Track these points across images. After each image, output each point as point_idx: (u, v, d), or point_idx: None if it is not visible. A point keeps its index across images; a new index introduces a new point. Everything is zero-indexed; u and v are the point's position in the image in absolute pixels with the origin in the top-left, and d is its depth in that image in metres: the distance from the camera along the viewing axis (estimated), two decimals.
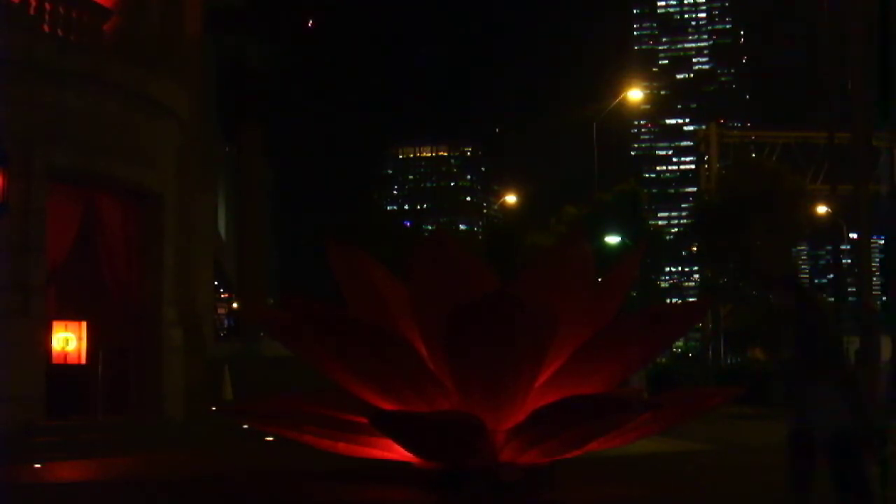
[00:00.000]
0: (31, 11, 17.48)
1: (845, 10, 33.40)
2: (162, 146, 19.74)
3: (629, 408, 10.13)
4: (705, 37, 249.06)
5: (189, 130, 21.51)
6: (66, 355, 18.30)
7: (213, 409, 19.85)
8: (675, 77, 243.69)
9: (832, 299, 45.88)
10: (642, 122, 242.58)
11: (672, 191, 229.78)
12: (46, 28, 17.70)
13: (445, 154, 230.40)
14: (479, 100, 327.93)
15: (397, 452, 10.65)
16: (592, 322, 10.60)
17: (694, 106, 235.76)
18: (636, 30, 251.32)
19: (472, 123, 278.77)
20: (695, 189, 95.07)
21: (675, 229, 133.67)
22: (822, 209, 44.78)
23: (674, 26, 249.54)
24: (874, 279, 39.89)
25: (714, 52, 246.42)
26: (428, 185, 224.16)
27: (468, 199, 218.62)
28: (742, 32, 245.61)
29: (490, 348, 9.79)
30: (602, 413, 9.95)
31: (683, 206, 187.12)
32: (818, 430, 6.91)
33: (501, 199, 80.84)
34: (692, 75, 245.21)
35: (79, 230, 18.48)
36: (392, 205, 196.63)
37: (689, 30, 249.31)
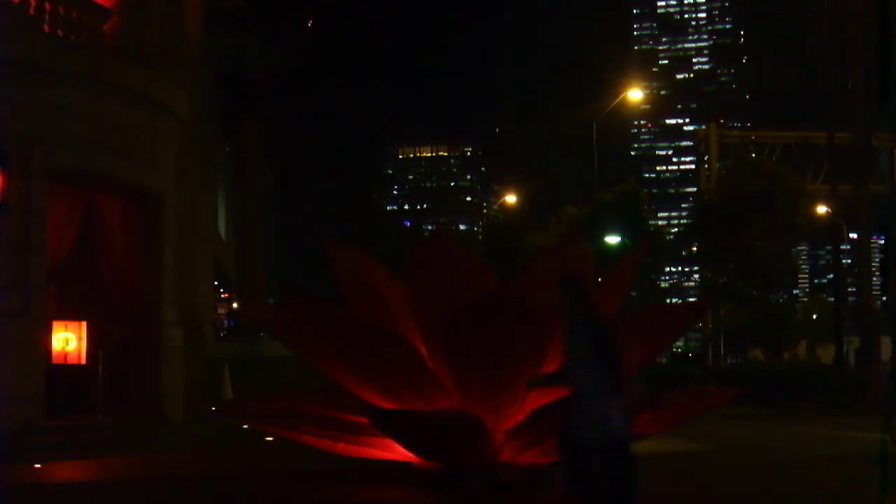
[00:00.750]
0: (31, 11, 17.49)
1: (845, 11, 33.42)
2: (162, 146, 19.73)
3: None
4: (705, 37, 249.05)
5: (189, 130, 21.50)
6: (66, 355, 18.30)
7: (213, 409, 19.85)
8: (675, 77, 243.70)
9: (832, 299, 45.88)
10: (642, 122, 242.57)
11: (672, 191, 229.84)
12: (46, 28, 17.69)
13: (445, 154, 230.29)
14: (479, 100, 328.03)
15: (397, 452, 10.64)
16: None
17: (694, 106, 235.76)
18: (636, 30, 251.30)
19: (472, 123, 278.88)
20: (695, 189, 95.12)
21: (675, 229, 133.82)
22: (822, 209, 44.78)
23: (674, 26, 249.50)
24: (874, 279, 39.90)
25: (714, 52, 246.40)
26: (428, 185, 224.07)
27: (468, 199, 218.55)
28: (742, 32, 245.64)
29: (490, 348, 9.79)
30: None
31: (683, 206, 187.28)
32: (588, 435, 7.11)
33: (501, 199, 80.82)
34: (692, 75, 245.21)
35: (79, 230, 18.48)
36: (392, 205, 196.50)
37: (689, 30, 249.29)
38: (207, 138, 27.70)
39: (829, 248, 70.17)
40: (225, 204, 59.56)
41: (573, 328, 7.40)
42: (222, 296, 63.75)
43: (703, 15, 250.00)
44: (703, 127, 58.80)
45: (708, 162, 47.78)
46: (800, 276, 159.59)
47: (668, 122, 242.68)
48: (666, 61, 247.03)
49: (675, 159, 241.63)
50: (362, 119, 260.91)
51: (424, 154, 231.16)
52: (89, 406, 17.84)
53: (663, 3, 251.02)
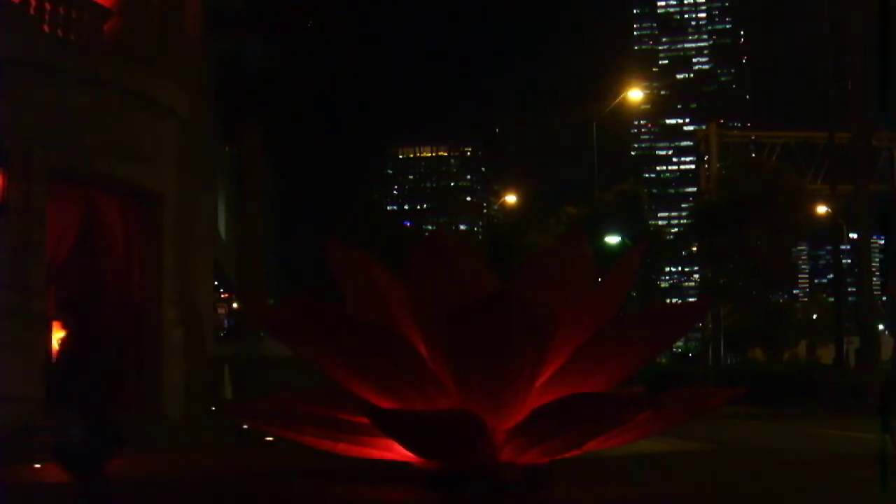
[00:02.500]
0: (31, 11, 17.46)
1: (845, 11, 33.41)
2: (162, 146, 19.71)
3: (629, 406, 10.13)
4: (705, 37, 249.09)
5: (189, 130, 21.48)
6: None
7: (213, 408, 19.83)
8: (675, 77, 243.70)
9: (832, 299, 45.88)
10: (642, 122, 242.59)
11: (672, 191, 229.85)
12: (46, 28, 17.67)
13: (445, 154, 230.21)
14: (479, 100, 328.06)
15: (397, 452, 10.64)
16: (592, 322, 10.60)
17: (694, 106, 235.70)
18: (636, 30, 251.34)
19: (472, 123, 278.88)
20: (695, 189, 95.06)
21: (675, 229, 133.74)
22: (822, 209, 44.81)
23: (674, 26, 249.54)
24: (874, 279, 39.92)
25: (714, 52, 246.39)
26: (428, 185, 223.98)
27: (468, 199, 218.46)
28: (742, 32, 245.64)
29: (490, 348, 9.79)
30: (602, 412, 9.95)
31: (683, 206, 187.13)
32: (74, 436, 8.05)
33: (501, 199, 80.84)
34: (692, 75, 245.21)
35: (79, 230, 18.46)
36: (392, 205, 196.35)
37: (689, 30, 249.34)
38: (207, 138, 27.67)
39: (829, 248, 70.14)
40: (225, 204, 59.53)
41: (69, 341, 8.26)
42: (222, 296, 63.72)
43: (703, 15, 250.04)
44: (703, 127, 58.71)
45: (708, 162, 47.75)
46: (800, 276, 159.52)
47: (668, 122, 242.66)
48: (666, 61, 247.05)
49: (675, 159, 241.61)
50: (362, 119, 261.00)
51: (424, 154, 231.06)
52: None
53: (663, 3, 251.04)
